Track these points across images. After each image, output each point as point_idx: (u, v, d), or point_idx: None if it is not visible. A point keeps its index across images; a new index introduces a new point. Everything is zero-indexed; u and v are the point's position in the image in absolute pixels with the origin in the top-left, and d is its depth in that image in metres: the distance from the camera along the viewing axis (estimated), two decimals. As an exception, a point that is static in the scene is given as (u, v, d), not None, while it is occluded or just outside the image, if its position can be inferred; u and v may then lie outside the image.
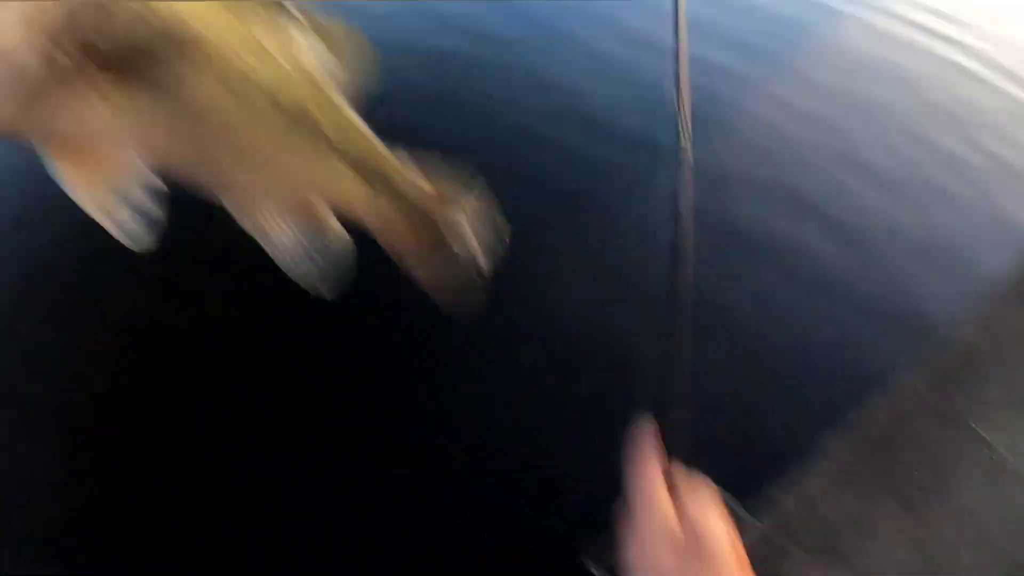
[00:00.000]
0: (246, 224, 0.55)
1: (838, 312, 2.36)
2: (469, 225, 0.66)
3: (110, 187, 0.45)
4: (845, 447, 1.53)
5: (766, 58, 4.10)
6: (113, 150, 0.46)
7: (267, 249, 0.55)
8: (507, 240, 0.68)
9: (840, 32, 4.66)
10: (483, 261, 0.66)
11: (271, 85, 0.49)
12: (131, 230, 0.45)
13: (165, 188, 0.46)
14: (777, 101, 3.67)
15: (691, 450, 0.54)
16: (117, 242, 0.44)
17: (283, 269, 0.55)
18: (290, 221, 0.56)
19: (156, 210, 0.45)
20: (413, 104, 2.86)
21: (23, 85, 0.39)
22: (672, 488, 0.52)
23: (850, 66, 4.27)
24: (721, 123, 3.31)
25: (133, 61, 0.43)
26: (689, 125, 0.69)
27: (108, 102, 0.43)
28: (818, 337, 2.24)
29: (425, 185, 0.62)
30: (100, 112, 0.43)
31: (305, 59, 0.53)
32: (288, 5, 0.52)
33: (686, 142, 0.68)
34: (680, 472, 0.54)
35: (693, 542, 0.46)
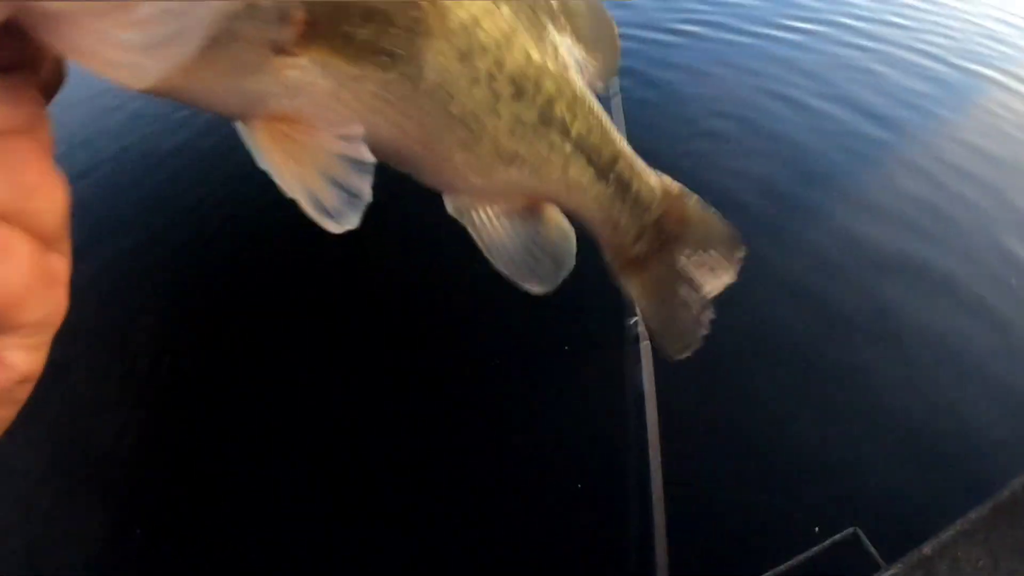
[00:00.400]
0: (460, 214, 0.50)
1: (983, 395, 2.28)
2: (701, 238, 0.60)
3: (317, 164, 0.41)
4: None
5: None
6: (327, 124, 0.41)
7: (480, 242, 0.51)
8: (741, 262, 0.60)
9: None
10: (714, 281, 0.60)
11: (516, 61, 0.45)
12: (336, 208, 0.40)
13: (372, 161, 0.41)
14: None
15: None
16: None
17: (496, 264, 0.51)
18: (512, 214, 0.53)
19: (363, 187, 0.40)
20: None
21: (189, 17, 0.34)
22: None
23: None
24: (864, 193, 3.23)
25: (364, 27, 0.39)
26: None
27: (328, 72, 0.39)
28: (965, 417, 2.19)
29: (660, 182, 0.57)
30: (319, 83, 0.40)
31: (555, 45, 0.50)
32: None
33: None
34: None
35: None
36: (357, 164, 0.42)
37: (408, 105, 0.44)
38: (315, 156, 0.42)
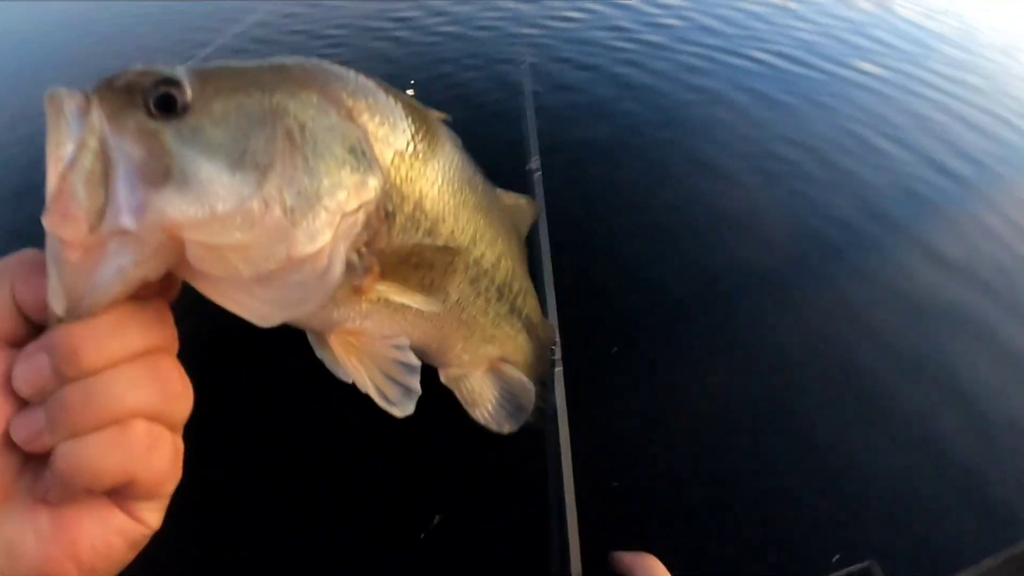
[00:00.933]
0: (451, 382, 0.68)
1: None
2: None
3: (380, 367, 0.53)
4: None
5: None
6: (383, 335, 0.55)
7: (466, 400, 0.68)
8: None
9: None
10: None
11: (502, 275, 0.63)
12: (397, 399, 0.52)
13: (418, 364, 0.54)
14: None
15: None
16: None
17: (477, 416, 0.67)
18: (485, 376, 0.69)
19: (414, 383, 0.53)
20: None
21: (326, 286, 0.46)
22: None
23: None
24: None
25: (416, 271, 0.52)
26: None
27: (388, 303, 0.53)
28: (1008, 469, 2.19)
29: (545, 322, 0.80)
30: (382, 311, 0.53)
31: (514, 238, 0.67)
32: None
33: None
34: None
35: None
36: (408, 367, 0.54)
37: (436, 318, 0.58)
38: (378, 361, 0.53)
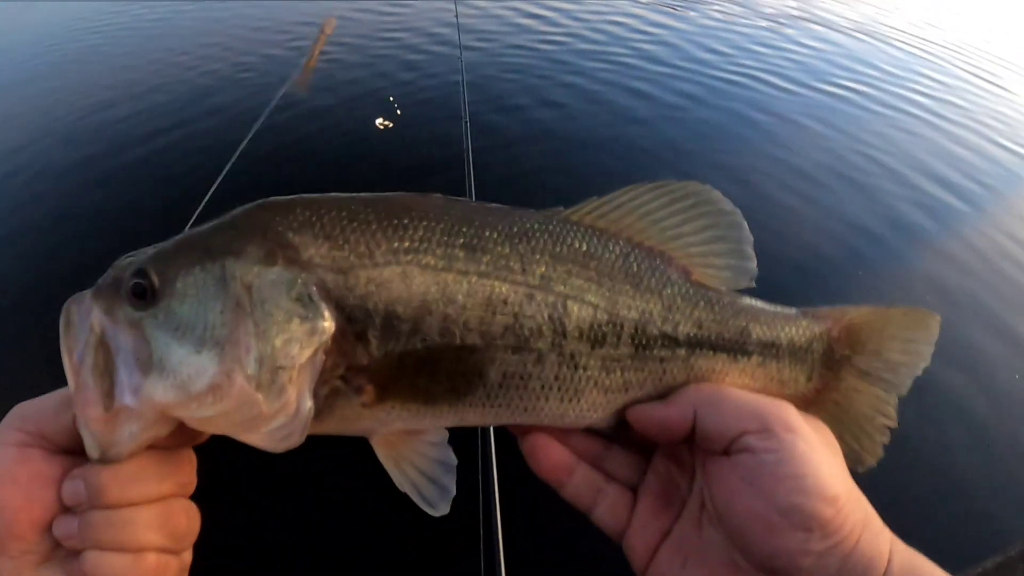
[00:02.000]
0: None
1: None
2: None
3: (420, 467, 0.54)
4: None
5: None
6: (419, 432, 0.55)
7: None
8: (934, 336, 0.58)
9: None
10: (905, 376, 0.58)
11: (578, 320, 0.53)
12: (434, 499, 0.53)
13: (455, 462, 0.54)
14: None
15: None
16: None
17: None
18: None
19: (450, 484, 0.54)
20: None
21: (302, 422, 0.48)
22: None
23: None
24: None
25: (407, 373, 0.50)
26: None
27: (405, 410, 0.52)
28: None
29: (808, 318, 0.59)
30: (401, 418, 0.53)
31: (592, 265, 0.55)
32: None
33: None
34: None
35: None
36: (445, 466, 0.54)
37: (489, 401, 0.53)
38: (415, 460, 0.54)
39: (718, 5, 7.20)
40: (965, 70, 6.29)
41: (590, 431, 0.57)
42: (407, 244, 0.50)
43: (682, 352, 0.55)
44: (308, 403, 0.48)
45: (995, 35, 7.98)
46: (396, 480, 0.53)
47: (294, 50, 5.18)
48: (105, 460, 0.46)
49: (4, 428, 0.49)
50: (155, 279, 0.47)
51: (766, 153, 4.13)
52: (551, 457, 0.55)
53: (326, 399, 0.49)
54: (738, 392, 0.52)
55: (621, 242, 0.56)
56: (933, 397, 2.44)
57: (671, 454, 0.55)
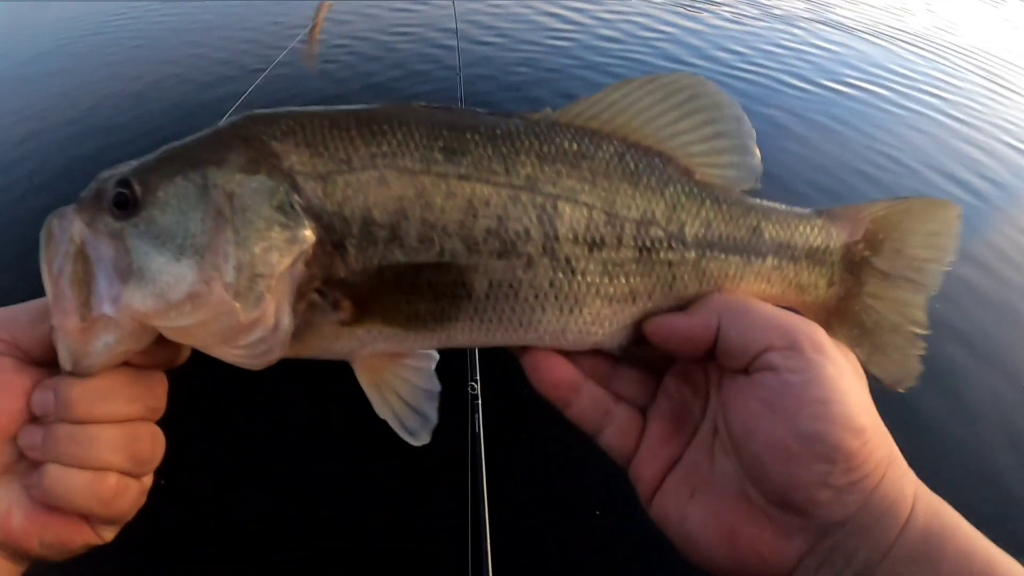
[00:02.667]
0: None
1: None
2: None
3: (401, 393, 0.53)
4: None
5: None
6: (402, 354, 0.53)
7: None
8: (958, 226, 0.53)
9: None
10: (932, 274, 0.53)
11: (571, 223, 0.50)
12: (414, 429, 0.52)
13: (438, 389, 0.53)
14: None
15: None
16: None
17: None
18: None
19: (432, 413, 0.52)
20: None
21: (281, 336, 0.48)
22: None
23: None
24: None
25: (386, 287, 0.49)
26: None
27: (385, 333, 0.51)
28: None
29: (823, 218, 0.54)
30: (382, 339, 0.51)
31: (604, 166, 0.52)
32: None
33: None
34: None
35: None
36: (428, 393, 0.53)
37: (478, 316, 0.51)
38: (397, 386, 0.53)
39: (732, 7, 7.14)
40: (979, 74, 6.30)
41: (596, 353, 0.53)
42: (384, 148, 0.49)
43: (691, 255, 0.51)
44: (287, 316, 0.47)
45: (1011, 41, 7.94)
46: (376, 407, 0.52)
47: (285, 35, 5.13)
48: (77, 372, 0.46)
49: None
50: (137, 189, 0.47)
51: (786, 149, 4.14)
52: (555, 373, 0.52)
53: (304, 314, 0.49)
54: (766, 305, 0.48)
55: (615, 142, 0.52)
56: (966, 393, 2.40)
57: (683, 375, 0.51)
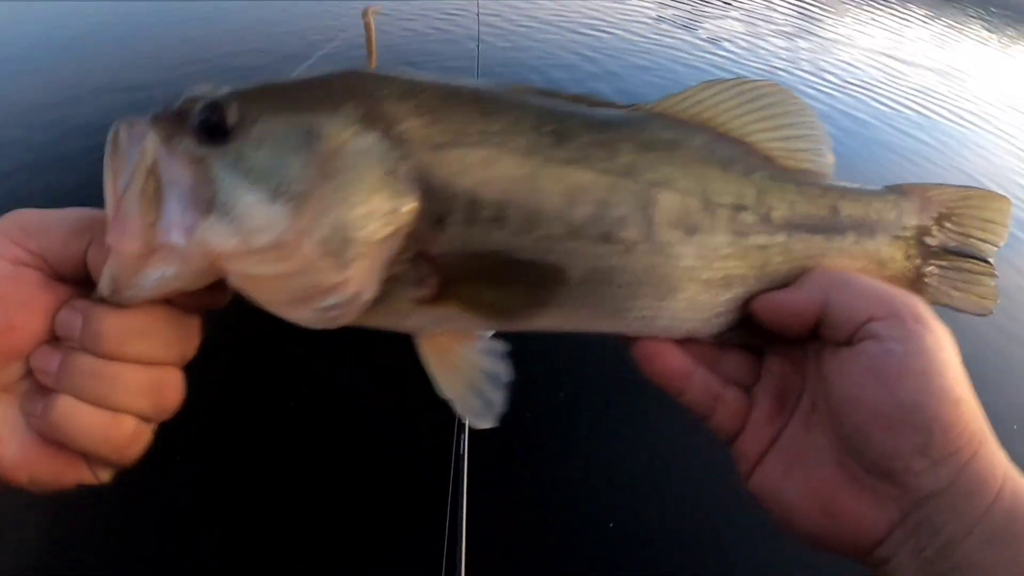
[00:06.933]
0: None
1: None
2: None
3: (466, 376, 0.50)
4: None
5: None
6: (470, 335, 0.51)
7: None
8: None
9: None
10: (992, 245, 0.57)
11: (673, 203, 0.51)
12: (478, 413, 0.49)
13: (506, 378, 0.50)
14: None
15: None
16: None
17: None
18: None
19: (498, 399, 0.49)
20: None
21: (358, 306, 0.45)
22: None
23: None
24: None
25: (490, 291, 0.48)
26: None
27: (464, 314, 0.49)
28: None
29: (895, 193, 0.57)
30: (460, 320, 0.49)
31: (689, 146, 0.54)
32: None
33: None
34: None
35: None
36: (495, 379, 0.50)
37: (569, 302, 0.50)
38: (464, 369, 0.50)
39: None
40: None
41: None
42: (496, 127, 0.48)
43: (780, 238, 0.53)
44: (371, 286, 0.45)
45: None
46: (440, 386, 0.50)
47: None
48: (116, 299, 0.41)
49: None
50: (231, 116, 0.43)
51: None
52: (668, 362, 0.52)
53: (384, 285, 0.46)
54: (866, 277, 0.50)
55: (706, 132, 0.54)
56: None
57: (783, 354, 0.52)
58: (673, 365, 0.52)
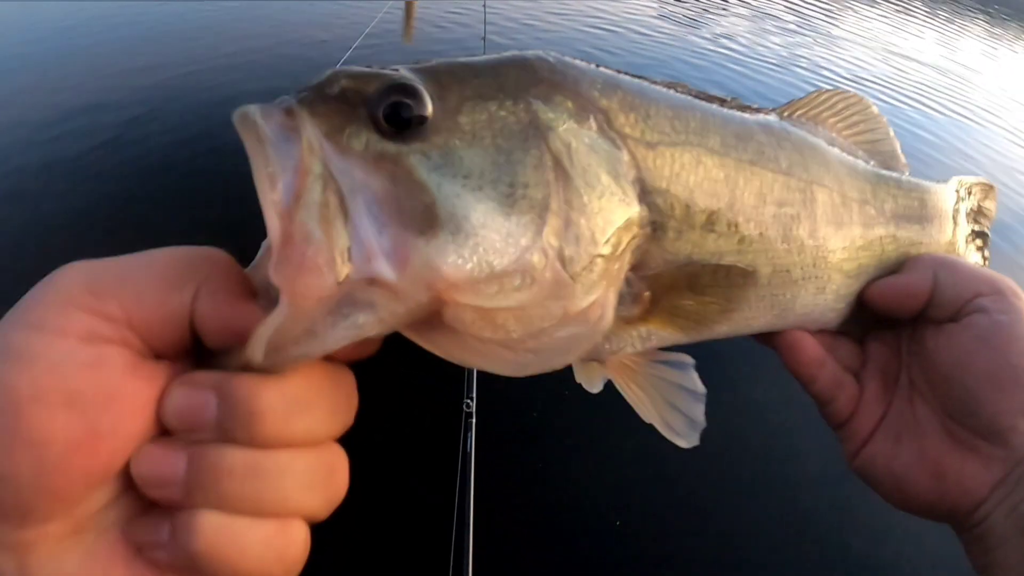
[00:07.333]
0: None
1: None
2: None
3: (662, 394, 0.47)
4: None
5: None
6: (661, 354, 0.48)
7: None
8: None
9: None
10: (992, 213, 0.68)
11: (827, 204, 0.54)
12: (682, 431, 0.46)
13: (703, 391, 0.48)
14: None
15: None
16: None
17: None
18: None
19: (699, 414, 0.47)
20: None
21: (596, 334, 0.39)
22: None
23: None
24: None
25: (689, 299, 0.44)
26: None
27: (645, 325, 0.44)
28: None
29: (942, 184, 0.64)
30: (664, 334, 0.46)
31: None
32: None
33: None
34: None
35: None
36: (693, 394, 0.47)
37: (756, 305, 0.50)
38: (660, 388, 0.47)
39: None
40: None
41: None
42: (693, 126, 0.45)
43: (892, 228, 0.57)
44: (611, 312, 0.39)
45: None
46: (640, 410, 0.47)
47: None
48: (269, 364, 0.29)
49: (57, 302, 0.29)
50: (428, 102, 0.34)
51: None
52: (808, 351, 0.54)
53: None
54: (967, 260, 0.56)
55: (826, 132, 0.57)
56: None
57: (882, 338, 0.57)
58: (811, 354, 0.54)
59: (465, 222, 0.32)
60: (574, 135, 0.38)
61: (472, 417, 1.62)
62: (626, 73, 0.46)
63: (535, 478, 2.03)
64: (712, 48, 6.30)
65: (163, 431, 0.30)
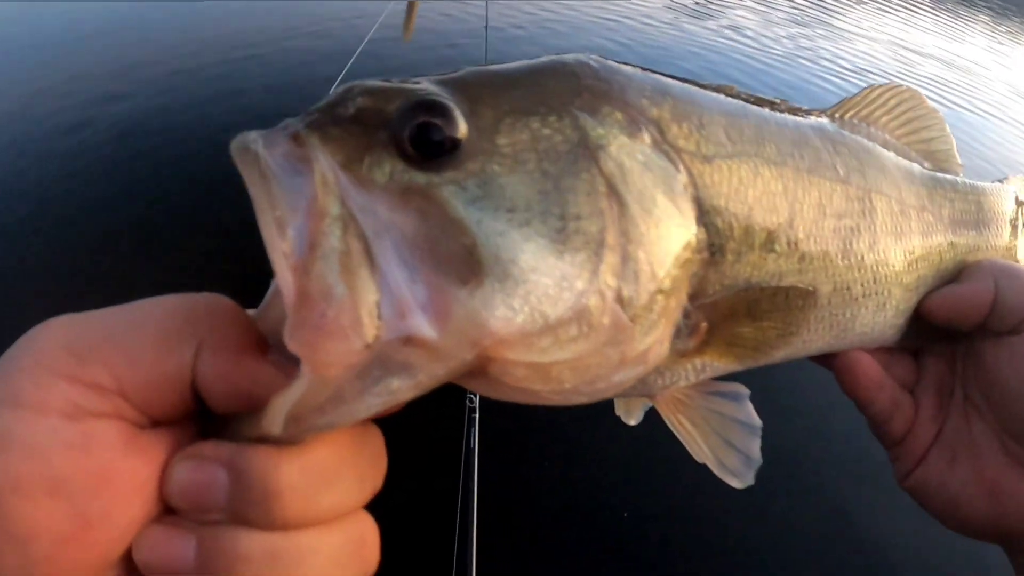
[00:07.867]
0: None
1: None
2: None
3: (711, 427, 0.43)
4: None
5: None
6: (713, 386, 0.43)
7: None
8: None
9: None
10: None
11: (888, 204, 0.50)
12: (737, 470, 0.42)
13: (759, 424, 0.43)
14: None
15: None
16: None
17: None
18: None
19: (754, 450, 0.42)
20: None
21: (646, 371, 0.35)
22: None
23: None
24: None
25: (749, 327, 0.40)
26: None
27: (722, 362, 0.41)
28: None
29: (999, 184, 0.62)
30: (719, 364, 0.41)
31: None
32: None
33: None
34: None
35: None
36: (749, 427, 0.42)
37: (812, 325, 0.45)
38: (713, 422, 0.42)
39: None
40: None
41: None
42: (748, 134, 0.40)
43: (950, 235, 0.53)
44: (667, 349, 0.35)
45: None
46: (691, 448, 0.42)
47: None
48: (288, 434, 0.25)
49: (34, 371, 0.25)
50: (460, 122, 0.30)
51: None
52: (868, 372, 0.50)
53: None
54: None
55: (880, 134, 0.53)
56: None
57: (936, 350, 0.53)
58: (871, 376, 0.50)
59: (513, 266, 0.28)
60: (627, 153, 0.33)
61: (475, 412, 1.61)
62: (671, 76, 0.41)
63: (539, 473, 2.02)
64: (720, 39, 6.27)
65: (169, 508, 0.27)
